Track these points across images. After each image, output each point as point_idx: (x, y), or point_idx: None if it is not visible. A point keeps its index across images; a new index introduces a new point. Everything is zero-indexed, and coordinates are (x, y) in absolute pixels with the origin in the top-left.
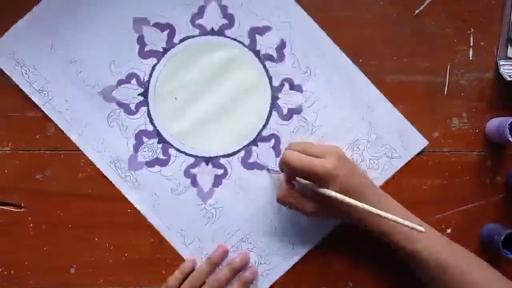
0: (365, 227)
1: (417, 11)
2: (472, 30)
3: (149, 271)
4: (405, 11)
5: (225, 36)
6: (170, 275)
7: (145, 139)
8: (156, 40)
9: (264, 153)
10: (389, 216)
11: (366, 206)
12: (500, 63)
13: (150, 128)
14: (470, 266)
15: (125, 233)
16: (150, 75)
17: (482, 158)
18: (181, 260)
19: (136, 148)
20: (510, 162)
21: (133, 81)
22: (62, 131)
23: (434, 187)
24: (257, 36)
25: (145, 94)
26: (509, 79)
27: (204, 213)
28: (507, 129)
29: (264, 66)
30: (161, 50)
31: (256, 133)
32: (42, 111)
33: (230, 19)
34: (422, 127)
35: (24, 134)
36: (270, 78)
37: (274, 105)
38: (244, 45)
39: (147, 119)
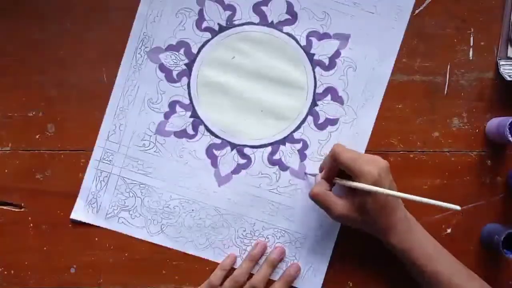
0: (388, 243)
1: (417, 11)
2: (472, 30)
3: (149, 271)
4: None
5: (283, 32)
6: (170, 275)
7: (178, 109)
8: (215, 16)
9: (289, 154)
10: (429, 201)
11: (415, 197)
12: (500, 63)
13: (186, 101)
14: None
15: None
16: (200, 49)
17: (482, 158)
18: (182, 260)
19: (167, 116)
20: (510, 162)
21: (182, 50)
22: (62, 131)
23: (434, 187)
24: (315, 40)
25: (190, 65)
26: (509, 79)
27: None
28: (507, 129)
29: (313, 71)
30: (217, 28)
31: (288, 133)
32: (42, 111)
33: (293, 16)
34: (422, 127)
35: (24, 134)
36: (315, 83)
37: (311, 111)
38: (299, 44)
39: (186, 91)
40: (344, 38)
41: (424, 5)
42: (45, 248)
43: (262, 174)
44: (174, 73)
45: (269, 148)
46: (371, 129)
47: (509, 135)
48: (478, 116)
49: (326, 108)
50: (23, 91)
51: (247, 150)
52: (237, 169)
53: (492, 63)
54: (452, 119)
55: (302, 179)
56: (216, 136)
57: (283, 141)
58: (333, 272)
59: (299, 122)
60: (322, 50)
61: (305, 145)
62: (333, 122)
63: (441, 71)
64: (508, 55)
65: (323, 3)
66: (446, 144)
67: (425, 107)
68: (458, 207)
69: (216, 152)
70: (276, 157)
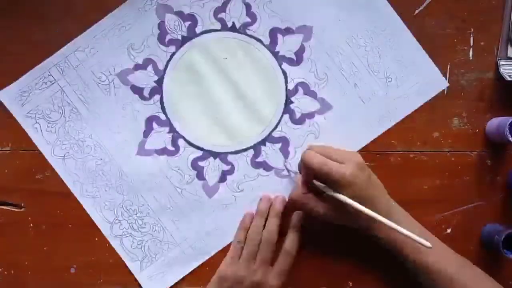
0: (374, 236)
1: (417, 11)
2: (472, 30)
3: None
4: (405, 11)
5: (246, 34)
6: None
7: (155, 126)
8: (177, 29)
9: (272, 154)
10: (403, 230)
11: (380, 217)
12: (500, 63)
13: (162, 117)
14: (475, 278)
15: None
16: (167, 64)
17: (482, 158)
18: None
19: (145, 134)
20: (510, 162)
21: (150, 67)
22: None
23: (434, 187)
24: (278, 37)
25: (160, 81)
26: (509, 79)
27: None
28: (507, 129)
29: (281, 68)
30: (180, 39)
31: (267, 133)
32: None
33: (252, 17)
34: (422, 127)
35: (24, 134)
36: (286, 80)
37: (287, 108)
38: (263, 44)
39: (160, 107)
40: (307, 30)
41: (424, 5)
42: (45, 248)
43: (249, 177)
44: (146, 92)
45: (251, 151)
46: (352, 116)
47: (509, 135)
48: (478, 116)
49: (300, 103)
50: None
51: (230, 157)
52: (223, 177)
53: (492, 63)
54: (452, 119)
55: (282, 177)
56: (198, 148)
57: (263, 142)
58: (333, 272)
59: (276, 122)
60: (287, 46)
61: (286, 143)
62: (310, 116)
63: (441, 71)
64: (508, 55)
65: None
66: (446, 144)
67: (425, 107)
68: (430, 245)
69: (201, 163)
70: (259, 159)
